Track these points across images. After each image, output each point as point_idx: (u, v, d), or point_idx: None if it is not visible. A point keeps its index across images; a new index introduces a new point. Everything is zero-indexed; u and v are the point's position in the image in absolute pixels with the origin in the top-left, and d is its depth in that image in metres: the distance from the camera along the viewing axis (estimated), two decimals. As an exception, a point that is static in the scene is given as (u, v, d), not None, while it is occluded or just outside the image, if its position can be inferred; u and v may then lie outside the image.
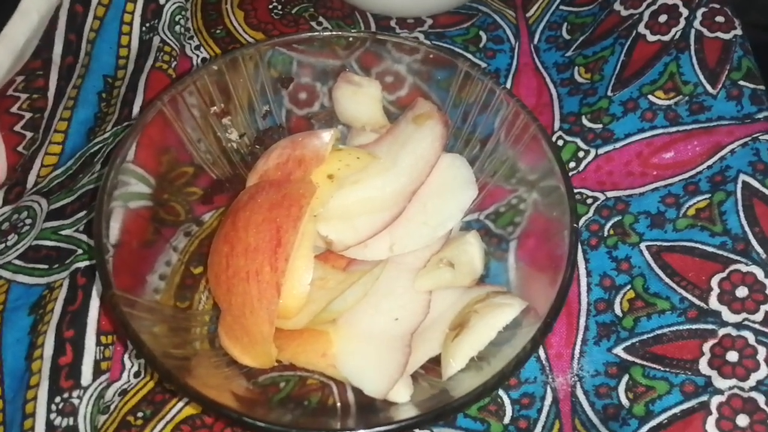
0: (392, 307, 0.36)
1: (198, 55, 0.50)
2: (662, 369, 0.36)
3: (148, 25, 0.49)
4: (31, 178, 0.45)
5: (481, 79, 0.40)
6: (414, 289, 0.37)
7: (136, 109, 0.45)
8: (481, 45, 0.51)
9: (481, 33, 0.51)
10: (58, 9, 0.47)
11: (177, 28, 0.49)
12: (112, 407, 0.37)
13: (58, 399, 0.36)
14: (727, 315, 0.37)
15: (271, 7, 0.52)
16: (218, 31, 0.51)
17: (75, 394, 0.36)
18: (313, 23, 0.51)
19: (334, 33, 0.42)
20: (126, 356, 0.39)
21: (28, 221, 0.42)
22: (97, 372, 0.37)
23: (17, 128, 0.45)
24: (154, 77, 0.46)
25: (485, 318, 0.34)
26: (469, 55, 0.50)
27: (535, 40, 0.51)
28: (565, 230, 0.35)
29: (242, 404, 0.33)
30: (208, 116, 0.40)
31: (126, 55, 0.48)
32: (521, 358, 0.31)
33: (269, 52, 0.41)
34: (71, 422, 0.35)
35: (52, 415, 0.36)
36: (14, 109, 0.45)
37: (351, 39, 0.42)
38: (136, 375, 0.38)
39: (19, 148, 0.45)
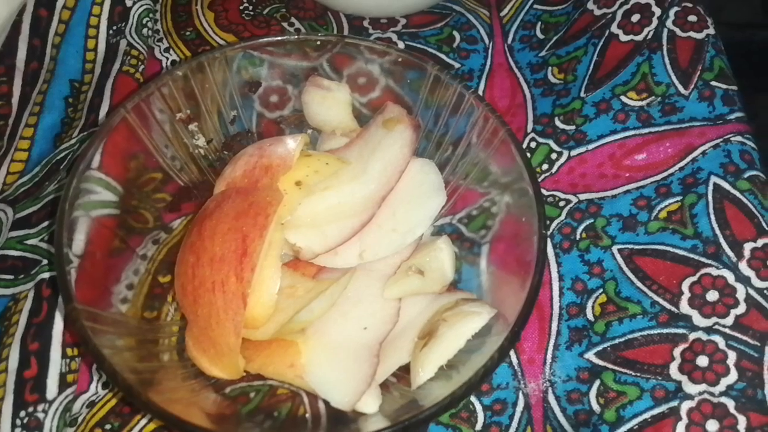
0: (361, 316, 0.36)
1: (167, 58, 0.49)
2: (633, 374, 0.36)
3: (115, 28, 0.48)
4: (-3, 186, 0.44)
5: (450, 83, 0.39)
6: (383, 297, 0.36)
7: (102, 115, 0.45)
8: (455, 45, 0.50)
9: (455, 33, 0.51)
10: (21, 13, 0.46)
11: (144, 31, 0.49)
12: (80, 419, 0.37)
13: (22, 413, 0.35)
14: (698, 319, 0.37)
15: (242, 8, 0.51)
16: (188, 33, 0.50)
17: (40, 407, 0.35)
18: (285, 24, 0.51)
19: (302, 36, 0.41)
20: (95, 367, 0.38)
21: (-6, 230, 0.41)
22: (63, 385, 0.36)
23: (-20, 136, 0.44)
24: (121, 81, 0.45)
25: (454, 327, 0.34)
26: (443, 56, 0.49)
27: (509, 40, 0.51)
28: (534, 235, 0.34)
29: (210, 418, 0.33)
30: (174, 122, 0.40)
31: (93, 59, 0.47)
32: (489, 367, 0.31)
33: (237, 56, 0.41)
34: (36, 436, 0.35)
35: (17, 430, 0.35)
36: (-23, 117, 0.44)
37: (320, 42, 0.41)
38: (105, 386, 0.38)
39: (-17, 156, 0.44)
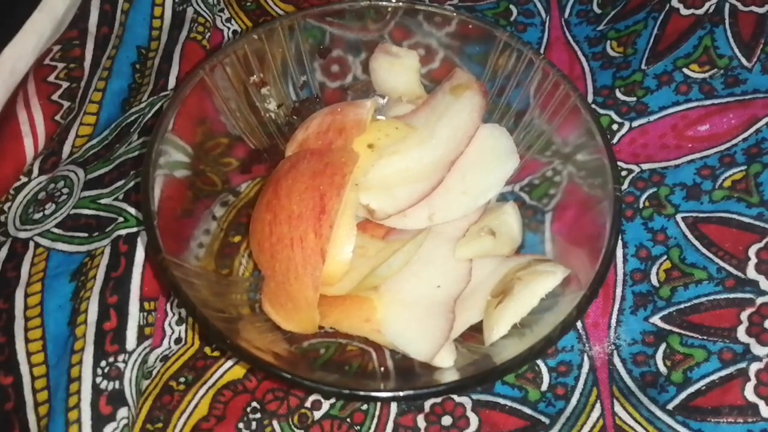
0: (433, 275, 0.37)
1: (229, 28, 0.50)
2: (700, 337, 0.37)
3: (181, -4, 0.49)
4: (66, 149, 0.45)
5: (520, 50, 0.40)
6: (454, 258, 0.37)
7: (171, 80, 0.46)
8: (512, 19, 0.51)
9: (512, 7, 0.51)
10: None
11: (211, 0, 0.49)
12: (154, 372, 0.38)
13: (103, 363, 0.36)
14: (765, 284, 0.37)
15: (301, -22, 0.52)
16: (249, 4, 0.51)
17: (120, 358, 0.36)
18: (344, -6, 0.51)
19: (369, 3, 0.42)
20: (167, 323, 0.39)
21: (65, 190, 0.42)
22: (141, 337, 0.37)
23: (54, 97, 0.45)
24: (189, 48, 0.46)
25: (529, 285, 0.35)
26: (500, 29, 0.50)
27: (566, 14, 0.51)
28: (606, 200, 0.35)
29: (289, 366, 0.34)
30: (247, 85, 0.41)
31: (159, 26, 0.48)
32: (567, 323, 0.32)
33: (306, 22, 0.42)
34: (117, 386, 0.36)
35: (98, 379, 0.36)
36: (51, 78, 0.45)
37: (385, 9, 0.42)
38: (177, 341, 0.39)
39: (57, 117, 0.45)
